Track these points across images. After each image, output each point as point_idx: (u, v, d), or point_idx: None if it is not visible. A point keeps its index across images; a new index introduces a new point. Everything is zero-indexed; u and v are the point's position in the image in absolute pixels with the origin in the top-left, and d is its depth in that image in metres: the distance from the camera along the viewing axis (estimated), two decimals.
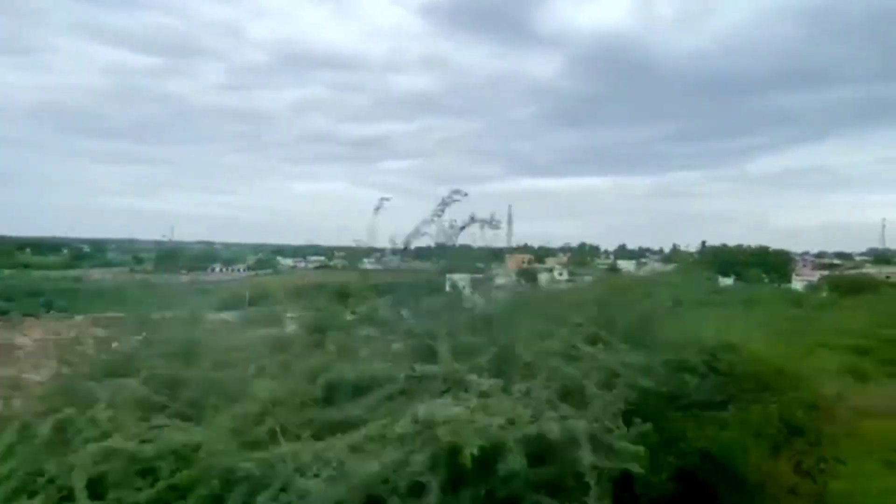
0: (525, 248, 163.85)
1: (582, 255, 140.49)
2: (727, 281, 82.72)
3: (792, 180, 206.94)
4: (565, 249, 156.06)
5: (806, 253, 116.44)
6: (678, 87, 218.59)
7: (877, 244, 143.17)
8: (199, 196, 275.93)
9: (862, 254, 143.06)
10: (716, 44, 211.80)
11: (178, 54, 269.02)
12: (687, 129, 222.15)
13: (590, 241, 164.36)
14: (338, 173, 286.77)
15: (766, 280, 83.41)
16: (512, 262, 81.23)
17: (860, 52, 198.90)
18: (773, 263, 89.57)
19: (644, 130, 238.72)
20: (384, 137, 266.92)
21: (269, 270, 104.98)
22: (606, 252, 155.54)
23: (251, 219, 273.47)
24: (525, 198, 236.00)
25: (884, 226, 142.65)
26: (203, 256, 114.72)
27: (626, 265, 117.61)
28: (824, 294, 66.31)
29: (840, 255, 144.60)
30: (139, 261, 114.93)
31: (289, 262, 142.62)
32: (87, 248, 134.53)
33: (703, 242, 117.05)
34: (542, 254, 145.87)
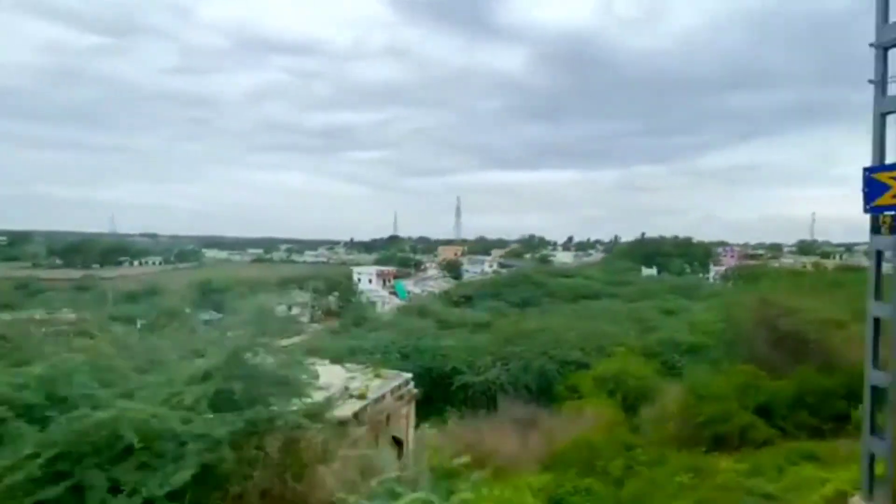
0: (481, 241, 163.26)
1: (531, 248, 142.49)
2: (650, 271, 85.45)
3: (739, 176, 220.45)
4: (520, 241, 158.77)
5: (724, 244, 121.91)
6: (638, 85, 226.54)
7: (806, 236, 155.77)
8: (148, 186, 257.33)
9: (791, 245, 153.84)
10: (672, 44, 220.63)
11: (125, 34, 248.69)
12: (647, 125, 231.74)
13: (555, 232, 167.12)
14: (301, 163, 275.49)
15: (688, 270, 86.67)
16: (445, 254, 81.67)
17: (800, 57, 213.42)
18: (696, 254, 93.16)
19: (607, 126, 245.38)
20: (350, 127, 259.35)
21: (193, 264, 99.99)
22: (554, 244, 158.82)
23: (207, 210, 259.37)
24: (492, 191, 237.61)
25: (813, 219, 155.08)
26: (120, 249, 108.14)
27: (566, 257, 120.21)
28: (730, 283, 69.72)
29: (773, 245, 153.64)
30: (52, 253, 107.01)
31: (223, 255, 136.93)
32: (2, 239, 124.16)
33: (643, 234, 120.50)
34: (491, 245, 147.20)
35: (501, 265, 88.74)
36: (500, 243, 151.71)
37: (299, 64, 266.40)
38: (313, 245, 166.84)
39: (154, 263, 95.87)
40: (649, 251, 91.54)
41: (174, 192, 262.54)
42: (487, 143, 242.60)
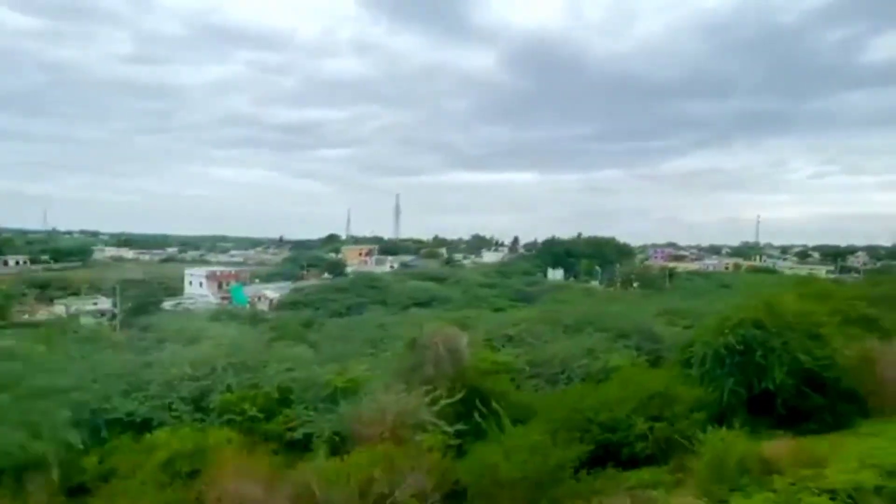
0: (436, 240, 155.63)
1: (472, 248, 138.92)
2: (556, 273, 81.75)
3: (697, 180, 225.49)
4: (467, 241, 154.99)
5: (648, 246, 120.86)
6: (602, 88, 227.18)
7: (752, 238, 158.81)
8: (93, 179, 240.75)
9: (733, 247, 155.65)
10: (636, 50, 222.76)
11: (72, 17, 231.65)
12: (610, 128, 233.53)
13: (519, 234, 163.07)
14: (264, 160, 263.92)
15: (599, 271, 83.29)
16: (350, 255, 74.80)
17: (754, 68, 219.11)
18: (610, 255, 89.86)
19: (571, 128, 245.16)
20: (316, 124, 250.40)
21: (73, 263, 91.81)
22: (500, 244, 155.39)
23: (160, 206, 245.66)
24: (456, 190, 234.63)
25: (758, 222, 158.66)
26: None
27: (493, 257, 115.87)
28: (613, 287, 66.35)
29: (713, 247, 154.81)
30: None
31: (129, 253, 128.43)
32: None
33: (580, 234, 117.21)
34: (441, 245, 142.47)
35: (404, 265, 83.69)
36: (439, 243, 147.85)
37: (263, 57, 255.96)
38: (253, 244, 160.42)
39: (18, 263, 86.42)
40: (559, 252, 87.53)
41: (124, 187, 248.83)
42: (453, 143, 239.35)
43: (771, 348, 10.17)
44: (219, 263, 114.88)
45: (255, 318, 31.17)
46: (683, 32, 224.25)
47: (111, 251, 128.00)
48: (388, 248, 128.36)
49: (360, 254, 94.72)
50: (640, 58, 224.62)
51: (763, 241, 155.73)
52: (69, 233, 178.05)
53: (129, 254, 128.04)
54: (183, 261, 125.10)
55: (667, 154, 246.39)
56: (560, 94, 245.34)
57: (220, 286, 54.45)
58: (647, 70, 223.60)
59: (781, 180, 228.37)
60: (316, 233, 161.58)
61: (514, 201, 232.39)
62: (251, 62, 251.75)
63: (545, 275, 79.59)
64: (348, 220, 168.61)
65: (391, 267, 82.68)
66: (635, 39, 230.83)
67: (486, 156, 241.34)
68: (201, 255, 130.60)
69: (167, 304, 43.03)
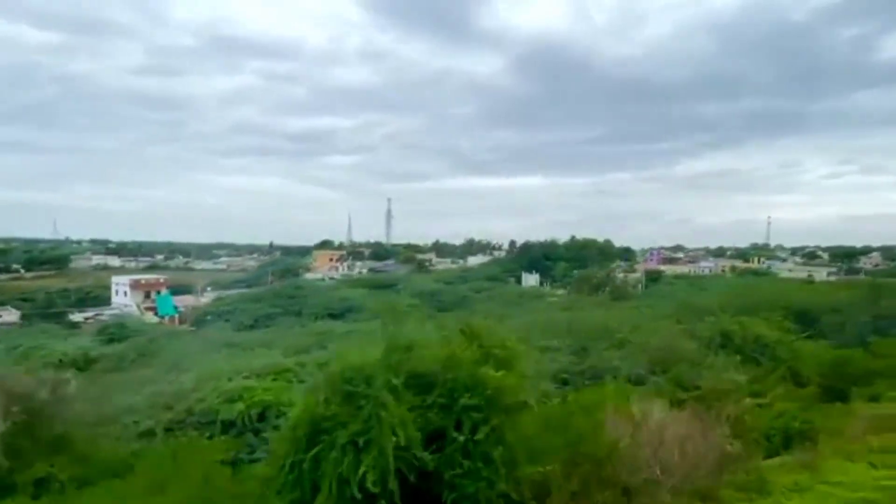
0: (436, 245, 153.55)
1: (462, 252, 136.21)
2: (531, 278, 77.64)
3: (708, 182, 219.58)
4: (460, 246, 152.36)
5: (649, 249, 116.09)
6: (610, 91, 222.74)
7: (763, 240, 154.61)
8: (107, 189, 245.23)
9: (742, 249, 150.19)
10: (643, 52, 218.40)
11: (86, 31, 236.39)
12: (618, 131, 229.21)
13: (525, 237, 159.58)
14: (274, 168, 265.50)
15: (576, 275, 78.99)
16: (320, 260, 71.83)
17: (765, 67, 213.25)
18: (590, 257, 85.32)
19: (579, 132, 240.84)
20: (325, 132, 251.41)
21: (52, 270, 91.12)
22: (499, 247, 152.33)
23: (173, 214, 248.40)
24: (464, 195, 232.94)
25: (769, 223, 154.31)
26: None
27: (477, 260, 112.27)
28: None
29: (721, 250, 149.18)
30: None
31: (116, 261, 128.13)
32: None
33: (573, 237, 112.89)
34: (419, 251, 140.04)
35: (373, 271, 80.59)
36: (445, 247, 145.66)
37: (273, 66, 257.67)
38: (250, 250, 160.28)
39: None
40: (536, 256, 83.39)
41: (137, 197, 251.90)
42: (460, 148, 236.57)
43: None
44: (202, 270, 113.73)
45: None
46: (692, 33, 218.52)
47: (98, 259, 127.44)
48: (380, 252, 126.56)
49: (331, 259, 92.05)
50: (648, 59, 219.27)
51: (776, 242, 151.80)
52: (78, 242, 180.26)
53: (115, 261, 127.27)
54: (167, 268, 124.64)
55: (677, 156, 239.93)
56: (567, 97, 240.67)
57: (147, 295, 52.11)
58: (655, 72, 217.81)
59: (795, 181, 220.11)
60: (320, 239, 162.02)
61: (521, 206, 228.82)
62: (260, 72, 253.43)
63: (519, 280, 75.63)
64: (349, 226, 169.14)
65: (359, 273, 79.73)
66: (643, 41, 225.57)
67: (493, 160, 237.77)
68: (186, 263, 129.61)
69: (78, 315, 40.61)
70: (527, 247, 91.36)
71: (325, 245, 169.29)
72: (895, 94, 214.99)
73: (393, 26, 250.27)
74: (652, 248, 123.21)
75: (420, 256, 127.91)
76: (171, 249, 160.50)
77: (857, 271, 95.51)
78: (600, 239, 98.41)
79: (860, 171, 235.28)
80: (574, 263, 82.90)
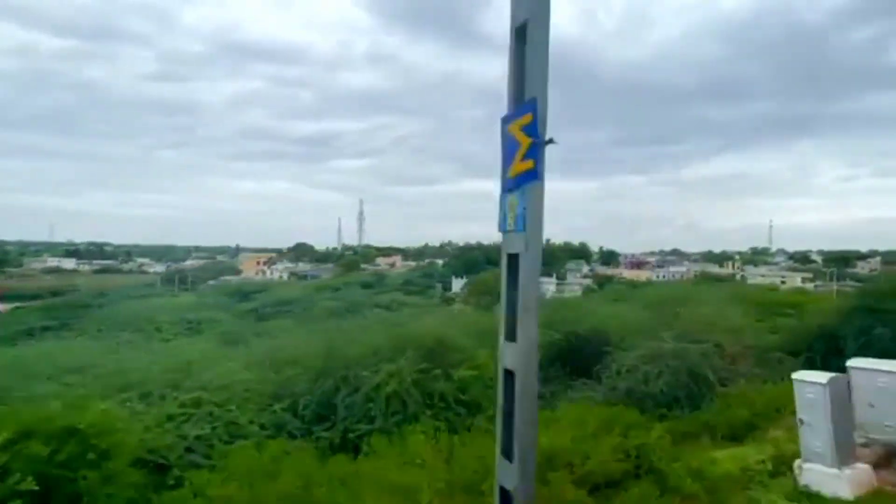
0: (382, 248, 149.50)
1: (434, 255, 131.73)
2: (459, 283, 70.96)
3: (719, 186, 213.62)
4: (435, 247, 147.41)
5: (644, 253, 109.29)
6: (618, 94, 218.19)
7: (765, 243, 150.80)
8: (116, 195, 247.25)
9: (737, 252, 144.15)
10: (652, 55, 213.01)
11: (99, 38, 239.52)
12: (627, 135, 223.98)
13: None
14: (283, 172, 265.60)
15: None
16: (247, 263, 65.86)
17: (775, 70, 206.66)
18: (548, 261, 77.87)
19: (589, 134, 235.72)
20: (334, 135, 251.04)
21: None
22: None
23: (181, 218, 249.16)
24: (475, 198, 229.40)
25: (770, 227, 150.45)
26: None
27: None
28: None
29: (724, 254, 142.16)
30: None
31: (71, 263, 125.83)
32: None
33: (548, 240, 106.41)
34: (384, 253, 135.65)
35: (298, 276, 74.84)
36: (419, 250, 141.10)
37: (281, 71, 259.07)
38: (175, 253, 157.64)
39: None
40: (478, 258, 76.45)
41: (146, 201, 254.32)
42: (468, 152, 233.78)
43: None
44: (154, 273, 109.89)
45: None
46: (701, 37, 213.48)
47: (53, 261, 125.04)
48: (333, 255, 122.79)
49: (258, 262, 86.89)
50: (656, 63, 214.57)
51: (779, 245, 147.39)
52: (73, 244, 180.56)
53: (69, 264, 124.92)
54: (119, 271, 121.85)
55: (688, 159, 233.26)
56: (576, 100, 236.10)
57: None
58: (664, 75, 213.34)
59: (807, 184, 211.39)
60: (329, 242, 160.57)
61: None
62: (270, 77, 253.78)
63: (448, 287, 68.92)
64: (339, 229, 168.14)
65: (280, 276, 74.14)
66: (651, 45, 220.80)
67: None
68: (140, 266, 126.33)
69: None
70: (468, 249, 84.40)
71: (296, 248, 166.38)
72: None
73: (400, 30, 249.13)
74: (653, 252, 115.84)
75: (384, 260, 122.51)
76: (142, 252, 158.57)
77: (846, 277, 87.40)
78: (596, 242, 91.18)
79: (873, 173, 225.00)
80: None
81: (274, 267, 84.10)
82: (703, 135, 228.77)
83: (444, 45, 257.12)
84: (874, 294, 15.51)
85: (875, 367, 6.35)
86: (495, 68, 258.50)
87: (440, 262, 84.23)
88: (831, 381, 5.95)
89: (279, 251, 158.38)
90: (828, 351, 16.25)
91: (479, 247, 79.90)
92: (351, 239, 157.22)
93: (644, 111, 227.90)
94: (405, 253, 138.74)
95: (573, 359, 14.34)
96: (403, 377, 9.19)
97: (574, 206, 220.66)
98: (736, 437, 8.30)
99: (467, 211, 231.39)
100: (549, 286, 60.86)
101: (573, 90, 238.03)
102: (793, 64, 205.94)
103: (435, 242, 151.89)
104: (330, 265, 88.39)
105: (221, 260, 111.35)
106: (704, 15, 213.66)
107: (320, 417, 9.22)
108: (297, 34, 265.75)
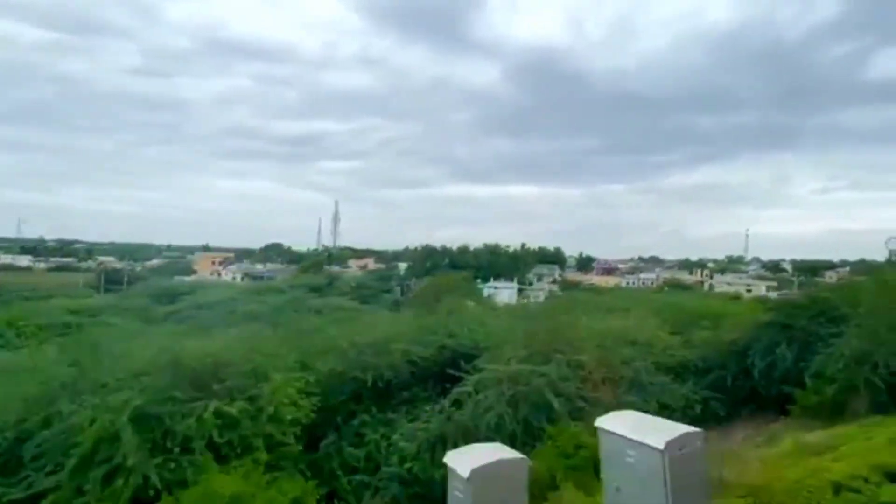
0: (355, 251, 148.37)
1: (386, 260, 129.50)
2: (422, 283, 68.83)
3: (701, 195, 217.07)
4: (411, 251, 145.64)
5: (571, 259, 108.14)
6: (604, 103, 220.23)
7: (742, 252, 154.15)
8: (94, 190, 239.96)
9: (713, 260, 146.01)
10: (638, 65, 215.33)
11: (81, 31, 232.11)
12: (612, 142, 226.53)
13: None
14: (267, 172, 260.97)
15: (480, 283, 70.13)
16: (202, 263, 62.29)
17: (758, 83, 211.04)
18: (502, 265, 76.26)
19: (574, 142, 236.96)
20: (319, 136, 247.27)
21: None
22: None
23: (161, 216, 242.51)
24: (460, 203, 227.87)
25: (747, 236, 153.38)
26: None
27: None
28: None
29: (700, 262, 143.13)
30: None
31: (24, 261, 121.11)
32: None
33: (506, 245, 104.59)
34: (359, 255, 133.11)
35: (252, 277, 71.98)
36: (394, 253, 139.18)
37: (268, 70, 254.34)
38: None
39: None
40: (438, 262, 74.49)
41: (125, 198, 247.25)
42: (456, 156, 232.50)
43: None
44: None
45: None
46: (686, 47, 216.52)
47: (7, 259, 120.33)
48: (324, 257, 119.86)
49: (213, 262, 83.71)
50: (642, 73, 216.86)
51: (754, 255, 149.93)
52: (43, 240, 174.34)
53: (23, 262, 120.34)
54: (78, 269, 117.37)
55: (670, 168, 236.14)
56: (562, 107, 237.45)
57: None
58: (649, 85, 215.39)
59: (786, 195, 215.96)
60: (311, 243, 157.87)
61: (518, 214, 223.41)
62: (256, 75, 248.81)
63: (406, 289, 66.60)
64: (319, 230, 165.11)
65: (232, 278, 71.19)
66: (637, 55, 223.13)
67: (489, 168, 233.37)
68: (100, 265, 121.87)
69: None
70: (430, 252, 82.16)
71: (269, 249, 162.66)
72: (885, 111, 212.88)
73: (390, 33, 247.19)
74: (632, 259, 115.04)
75: (357, 262, 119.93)
76: (116, 251, 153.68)
77: (812, 286, 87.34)
78: (580, 248, 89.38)
79: (849, 186, 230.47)
80: (480, 271, 73.89)
81: (230, 267, 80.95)
82: (686, 144, 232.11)
83: (435, 50, 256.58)
84: (788, 306, 13.66)
85: (626, 431, 4.17)
86: (485, 74, 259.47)
87: (404, 264, 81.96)
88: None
89: (251, 251, 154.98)
90: (740, 370, 14.43)
91: (444, 250, 77.77)
92: (338, 240, 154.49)
93: (630, 120, 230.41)
94: (381, 255, 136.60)
95: (442, 377, 12.24)
96: (122, 411, 6.92)
97: (560, 212, 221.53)
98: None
99: (454, 215, 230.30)
100: (507, 291, 59.13)
101: (562, 98, 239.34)
102: (774, 77, 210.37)
103: (418, 246, 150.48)
104: (294, 267, 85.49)
105: (183, 259, 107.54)
106: (690, 26, 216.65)
107: (4, 466, 6.92)
108: (285, 33, 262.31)
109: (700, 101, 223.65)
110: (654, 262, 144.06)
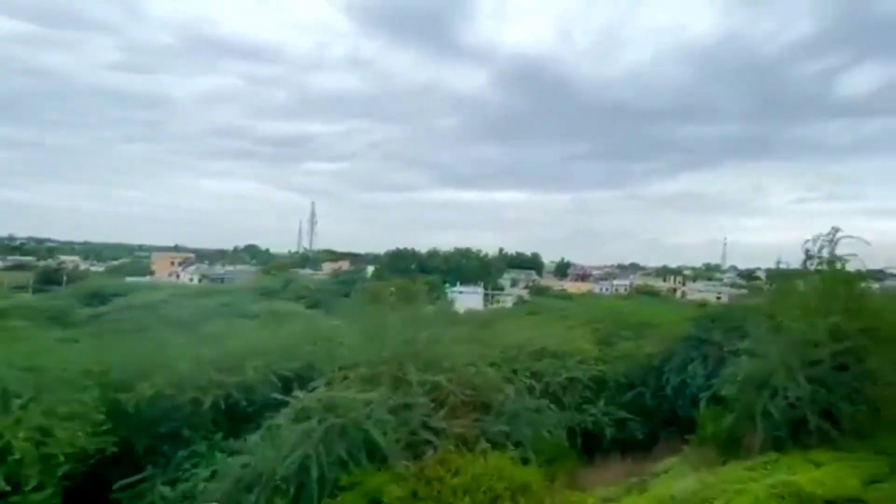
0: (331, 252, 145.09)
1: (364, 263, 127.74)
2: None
3: (683, 203, 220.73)
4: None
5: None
6: (591, 111, 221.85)
7: (719, 260, 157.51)
8: (74, 188, 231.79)
9: (690, 268, 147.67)
10: (624, 75, 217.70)
11: (60, 23, 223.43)
12: (597, 150, 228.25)
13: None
14: (252, 172, 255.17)
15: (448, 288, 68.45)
16: (159, 263, 59.03)
17: (738, 95, 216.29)
18: (472, 269, 74.69)
19: (560, 149, 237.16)
20: (306, 138, 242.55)
21: None
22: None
23: (138, 215, 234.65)
24: (450, 208, 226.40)
25: (725, 244, 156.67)
26: None
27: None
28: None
29: (678, 269, 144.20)
30: None
31: None
32: None
33: (478, 249, 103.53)
34: (335, 258, 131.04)
35: (210, 278, 69.33)
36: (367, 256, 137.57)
37: (254, 69, 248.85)
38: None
39: None
40: (406, 265, 72.63)
41: (103, 196, 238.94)
42: (444, 160, 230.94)
43: None
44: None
45: None
46: (670, 60, 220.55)
47: None
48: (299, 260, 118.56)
49: (172, 263, 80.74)
50: (628, 82, 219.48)
51: (732, 262, 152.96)
52: (12, 238, 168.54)
53: None
54: (35, 268, 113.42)
55: (653, 176, 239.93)
56: (549, 115, 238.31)
57: None
58: (634, 95, 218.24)
59: (764, 204, 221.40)
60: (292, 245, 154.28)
61: (505, 220, 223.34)
62: (243, 74, 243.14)
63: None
64: (300, 232, 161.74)
65: (189, 279, 68.47)
66: (623, 65, 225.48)
67: (476, 174, 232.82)
68: (60, 264, 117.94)
69: None
70: (397, 255, 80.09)
71: (247, 250, 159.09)
72: (856, 126, 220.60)
73: (379, 36, 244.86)
74: (613, 265, 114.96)
75: (331, 265, 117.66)
76: (74, 250, 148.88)
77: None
78: (564, 254, 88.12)
79: (823, 197, 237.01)
80: (450, 275, 72.29)
81: (190, 269, 77.95)
82: (668, 153, 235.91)
83: (424, 55, 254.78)
84: (706, 318, 12.22)
85: None
86: (473, 80, 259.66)
87: (371, 267, 79.81)
88: None
89: (224, 252, 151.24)
90: (659, 387, 12.95)
91: (413, 253, 75.76)
92: (318, 242, 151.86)
93: (615, 128, 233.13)
94: (360, 258, 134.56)
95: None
96: None
97: (546, 218, 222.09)
98: None
99: (441, 220, 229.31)
100: (473, 296, 57.36)
101: (549, 105, 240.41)
102: (753, 90, 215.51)
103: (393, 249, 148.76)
104: (257, 268, 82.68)
105: (147, 259, 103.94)
106: (673, 39, 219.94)
107: None
108: (273, 33, 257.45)
109: (683, 112, 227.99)
110: (634, 268, 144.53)
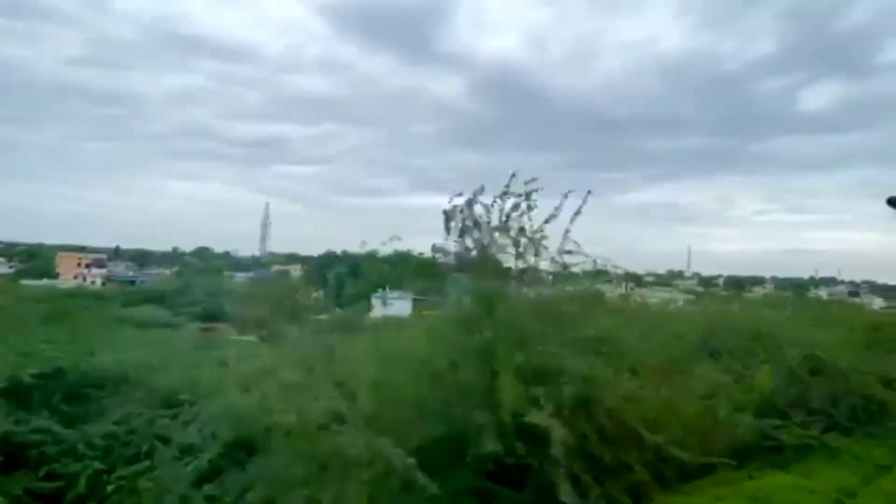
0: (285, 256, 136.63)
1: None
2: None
3: (654, 213, 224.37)
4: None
5: None
6: (565, 120, 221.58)
7: (684, 267, 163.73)
8: (30, 187, 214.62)
9: (655, 274, 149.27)
10: (596, 86, 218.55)
11: (15, 13, 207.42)
12: (573, 159, 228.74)
13: None
14: (223, 173, 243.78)
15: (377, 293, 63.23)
16: (65, 263, 50.38)
17: (706, 109, 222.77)
18: (411, 273, 69.81)
19: (536, 157, 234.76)
20: (279, 140, 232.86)
21: None
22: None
23: (101, 216, 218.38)
24: (426, 213, 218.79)
25: (689, 252, 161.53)
26: None
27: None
28: None
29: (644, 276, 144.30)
30: None
31: None
32: None
33: (419, 252, 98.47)
34: (286, 262, 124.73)
35: (121, 281, 62.44)
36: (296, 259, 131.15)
37: (226, 69, 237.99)
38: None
39: None
40: (340, 269, 66.91)
41: (62, 196, 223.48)
42: (420, 166, 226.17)
43: None
44: None
45: None
46: (641, 73, 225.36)
47: None
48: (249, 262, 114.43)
49: (79, 263, 73.33)
50: (600, 94, 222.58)
51: (698, 269, 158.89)
52: None
53: None
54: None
55: (625, 186, 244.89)
56: (525, 123, 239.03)
57: None
58: (606, 106, 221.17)
59: (729, 215, 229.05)
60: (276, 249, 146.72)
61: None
62: (214, 74, 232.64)
63: None
64: (262, 236, 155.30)
65: (92, 281, 61.48)
66: (596, 77, 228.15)
67: (452, 180, 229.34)
68: (11, 267, 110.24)
69: None
70: (329, 257, 73.98)
71: (200, 252, 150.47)
72: (814, 142, 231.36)
73: (355, 39, 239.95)
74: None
75: (279, 267, 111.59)
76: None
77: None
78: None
79: (785, 209, 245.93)
80: (386, 280, 66.80)
81: (99, 270, 70.68)
82: (639, 164, 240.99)
83: (399, 60, 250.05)
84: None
85: None
86: (450, 86, 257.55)
87: (298, 271, 73.85)
88: None
89: (183, 253, 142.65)
90: None
91: (346, 255, 69.71)
92: (285, 246, 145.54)
93: (590, 137, 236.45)
94: (312, 261, 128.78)
95: None
96: None
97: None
98: None
99: (415, 225, 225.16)
100: (401, 303, 52.19)
101: (525, 114, 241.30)
102: (719, 105, 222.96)
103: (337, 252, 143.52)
104: (153, 270, 75.76)
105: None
106: (644, 53, 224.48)
107: None
108: (246, 33, 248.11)
109: (654, 124, 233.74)
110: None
